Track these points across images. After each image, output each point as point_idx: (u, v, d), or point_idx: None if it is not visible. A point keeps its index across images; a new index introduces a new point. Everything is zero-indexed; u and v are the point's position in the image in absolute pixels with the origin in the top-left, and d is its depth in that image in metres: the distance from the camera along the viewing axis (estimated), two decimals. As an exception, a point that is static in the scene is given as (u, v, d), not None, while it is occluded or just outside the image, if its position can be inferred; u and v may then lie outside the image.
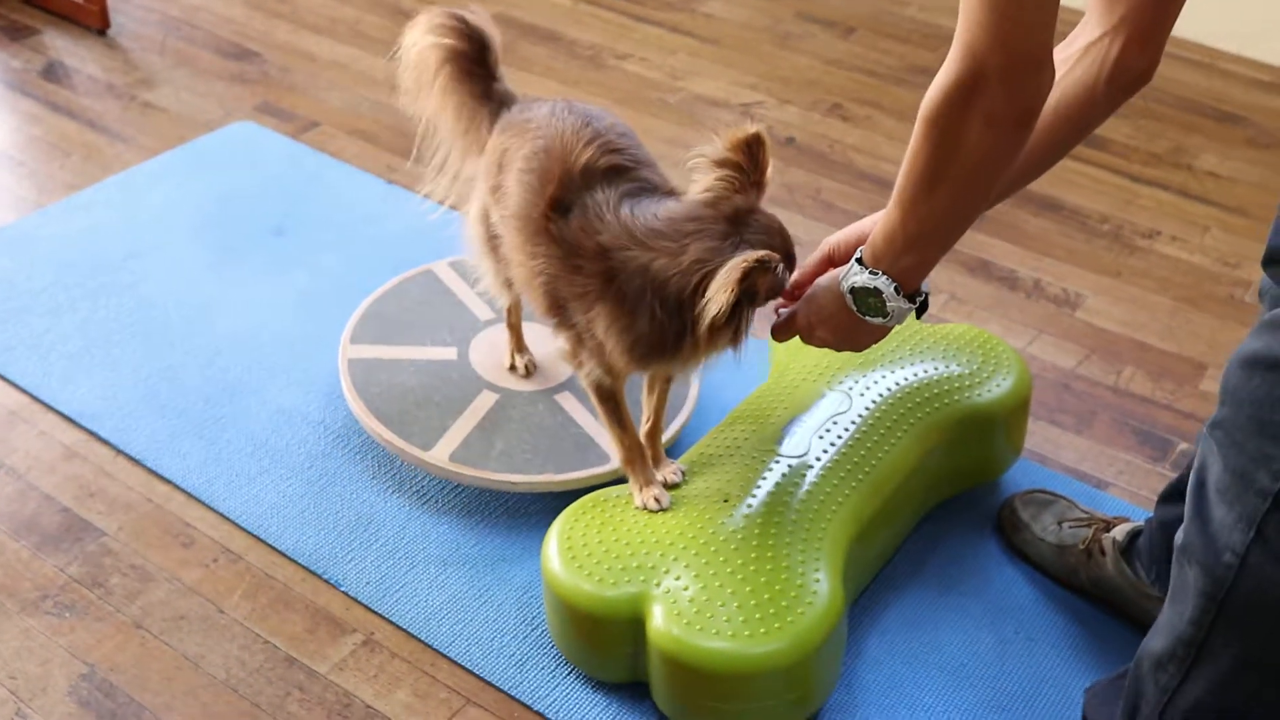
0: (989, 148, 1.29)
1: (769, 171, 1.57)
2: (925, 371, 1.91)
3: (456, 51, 1.81)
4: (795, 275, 1.62)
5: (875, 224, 1.53)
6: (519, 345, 2.03)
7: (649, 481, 1.70)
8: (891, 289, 1.44)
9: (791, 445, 1.77)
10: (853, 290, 1.47)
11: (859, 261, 1.47)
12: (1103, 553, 1.78)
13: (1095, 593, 1.81)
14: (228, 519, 1.86)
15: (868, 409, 1.83)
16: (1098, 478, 2.04)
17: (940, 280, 2.46)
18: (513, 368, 2.02)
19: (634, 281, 1.53)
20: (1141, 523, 1.78)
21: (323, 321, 2.23)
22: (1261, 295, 1.49)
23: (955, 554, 1.89)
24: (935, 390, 1.88)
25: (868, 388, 1.87)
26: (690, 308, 1.50)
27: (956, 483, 1.94)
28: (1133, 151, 2.93)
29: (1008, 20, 1.21)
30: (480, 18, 1.83)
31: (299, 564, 1.80)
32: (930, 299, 1.49)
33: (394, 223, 2.51)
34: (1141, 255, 2.59)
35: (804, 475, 1.72)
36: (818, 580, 1.57)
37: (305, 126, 2.83)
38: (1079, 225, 2.66)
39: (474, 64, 1.82)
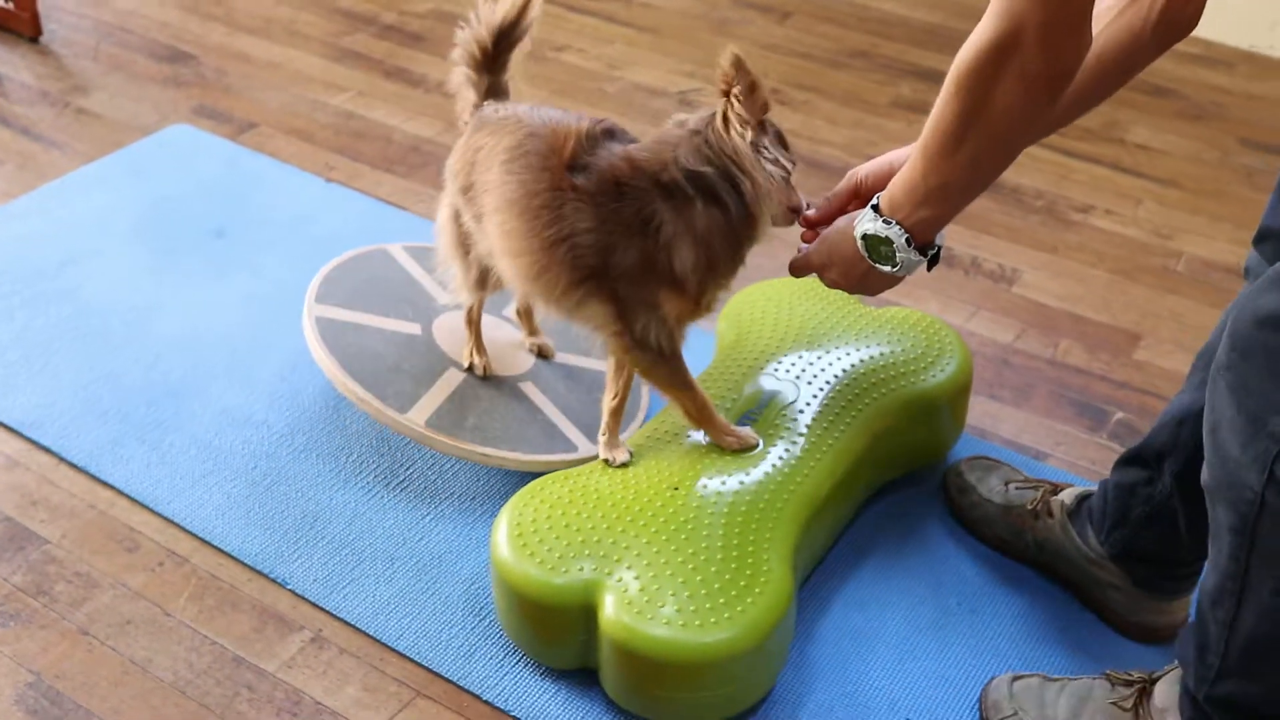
0: (1020, 108, 1.31)
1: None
2: (871, 357, 1.93)
3: (468, 57, 1.81)
4: (821, 206, 1.66)
5: (903, 157, 1.56)
6: (479, 346, 2.01)
7: (727, 429, 1.75)
8: (903, 240, 1.46)
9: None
10: (864, 237, 1.50)
11: (875, 208, 1.49)
12: (1050, 514, 1.80)
13: (1039, 557, 1.83)
14: (172, 522, 1.86)
15: (815, 396, 1.85)
16: (1037, 449, 2.07)
17: (879, 260, 2.49)
18: (470, 368, 2.01)
19: (673, 172, 1.57)
20: (1090, 488, 1.80)
21: (265, 322, 2.22)
22: (1247, 273, 1.52)
23: (898, 531, 1.92)
24: (881, 376, 1.90)
25: (815, 375, 1.89)
26: (725, 151, 1.56)
27: (902, 465, 1.97)
28: (1067, 127, 2.97)
29: None
30: (486, 13, 1.79)
31: (245, 564, 1.80)
32: (953, 251, 1.53)
33: (334, 220, 2.51)
34: (1076, 230, 2.63)
35: (755, 464, 1.73)
36: (767, 568, 1.59)
37: (242, 128, 2.82)
38: (1015, 202, 2.69)
39: (479, 60, 1.81)
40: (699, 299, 1.66)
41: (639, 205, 1.59)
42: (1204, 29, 3.37)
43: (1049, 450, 2.07)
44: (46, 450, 1.96)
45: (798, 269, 1.66)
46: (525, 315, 2.08)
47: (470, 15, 1.80)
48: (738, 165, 1.56)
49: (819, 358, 1.92)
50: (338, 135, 2.81)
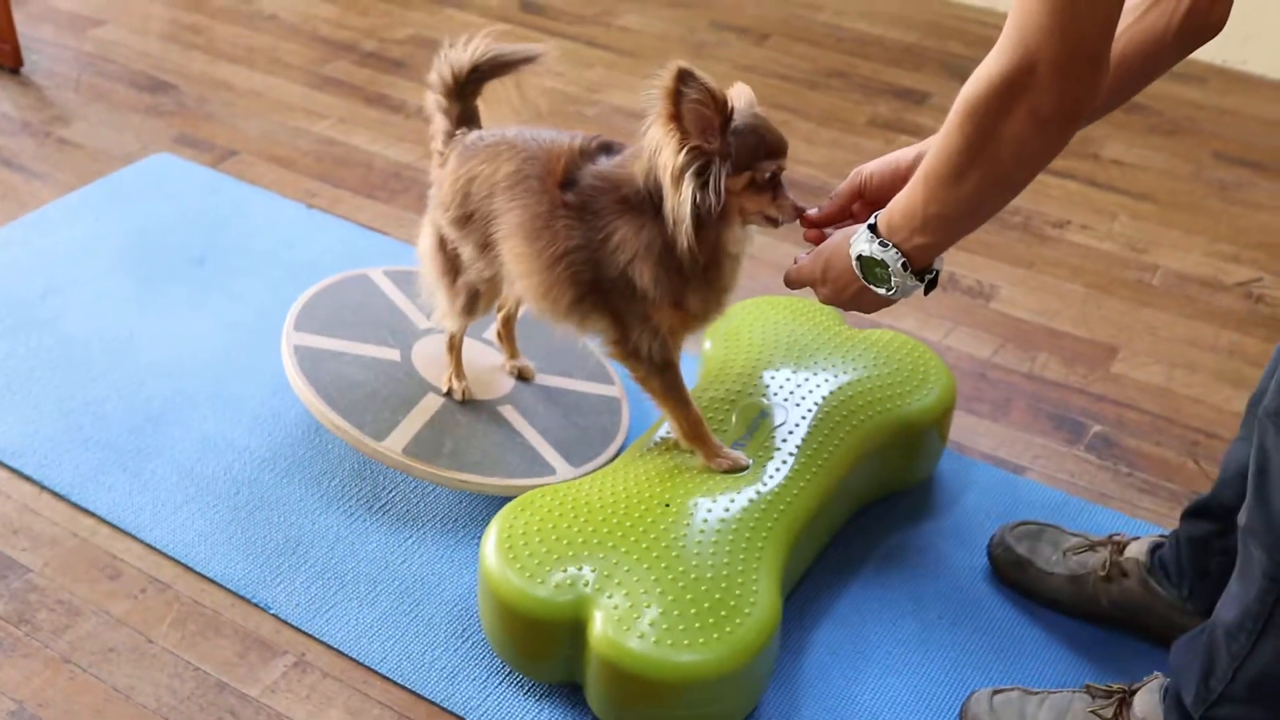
0: (1030, 145, 1.24)
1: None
2: (857, 380, 1.94)
3: (440, 83, 1.85)
4: (824, 206, 1.62)
5: (909, 157, 1.53)
6: (459, 371, 2.03)
7: (718, 450, 1.75)
8: (899, 264, 1.41)
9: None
10: (860, 257, 1.44)
11: (872, 228, 1.43)
12: (1124, 575, 1.75)
13: (1115, 615, 1.78)
14: (155, 549, 1.86)
15: (803, 418, 1.86)
16: (1015, 462, 2.09)
17: (857, 278, 2.50)
18: (449, 393, 2.02)
19: (634, 187, 1.58)
20: (1155, 534, 1.78)
21: (246, 348, 2.23)
22: None
23: (879, 546, 1.93)
24: (867, 399, 1.91)
25: (803, 397, 1.90)
26: (662, 185, 1.54)
27: (887, 487, 1.98)
28: (1041, 144, 3.00)
29: (1067, 12, 1.15)
30: (472, 45, 1.83)
31: (228, 589, 1.81)
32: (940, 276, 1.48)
33: (316, 247, 2.52)
34: (1052, 245, 2.65)
35: (745, 484, 1.74)
36: (756, 589, 1.59)
37: (223, 156, 2.83)
38: (991, 218, 2.71)
39: (451, 88, 1.84)
40: (685, 311, 1.66)
41: (606, 221, 1.62)
42: (1177, 45, 3.40)
43: (1027, 464, 2.09)
44: (28, 479, 1.97)
45: (792, 281, 1.61)
46: (506, 338, 2.09)
47: (447, 41, 1.83)
48: (664, 187, 1.56)
49: (806, 379, 1.93)
50: (319, 162, 2.82)
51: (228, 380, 2.17)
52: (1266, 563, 1.29)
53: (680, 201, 1.54)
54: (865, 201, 1.60)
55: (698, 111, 1.50)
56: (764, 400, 1.89)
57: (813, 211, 1.62)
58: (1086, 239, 2.67)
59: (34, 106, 2.99)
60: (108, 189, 2.68)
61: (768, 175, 1.57)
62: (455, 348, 2.01)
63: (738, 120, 1.54)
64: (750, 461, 1.75)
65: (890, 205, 1.42)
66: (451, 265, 1.85)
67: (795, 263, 1.61)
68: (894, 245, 1.41)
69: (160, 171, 2.75)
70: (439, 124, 1.86)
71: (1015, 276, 2.54)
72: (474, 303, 1.89)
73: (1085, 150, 2.98)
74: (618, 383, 2.14)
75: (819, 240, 1.61)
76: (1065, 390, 2.25)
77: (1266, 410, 1.29)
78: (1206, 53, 3.36)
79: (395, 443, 1.88)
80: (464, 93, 1.84)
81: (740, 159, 1.55)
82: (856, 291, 1.50)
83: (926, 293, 1.49)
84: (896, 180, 1.54)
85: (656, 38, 3.44)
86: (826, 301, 1.57)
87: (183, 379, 2.17)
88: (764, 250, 2.54)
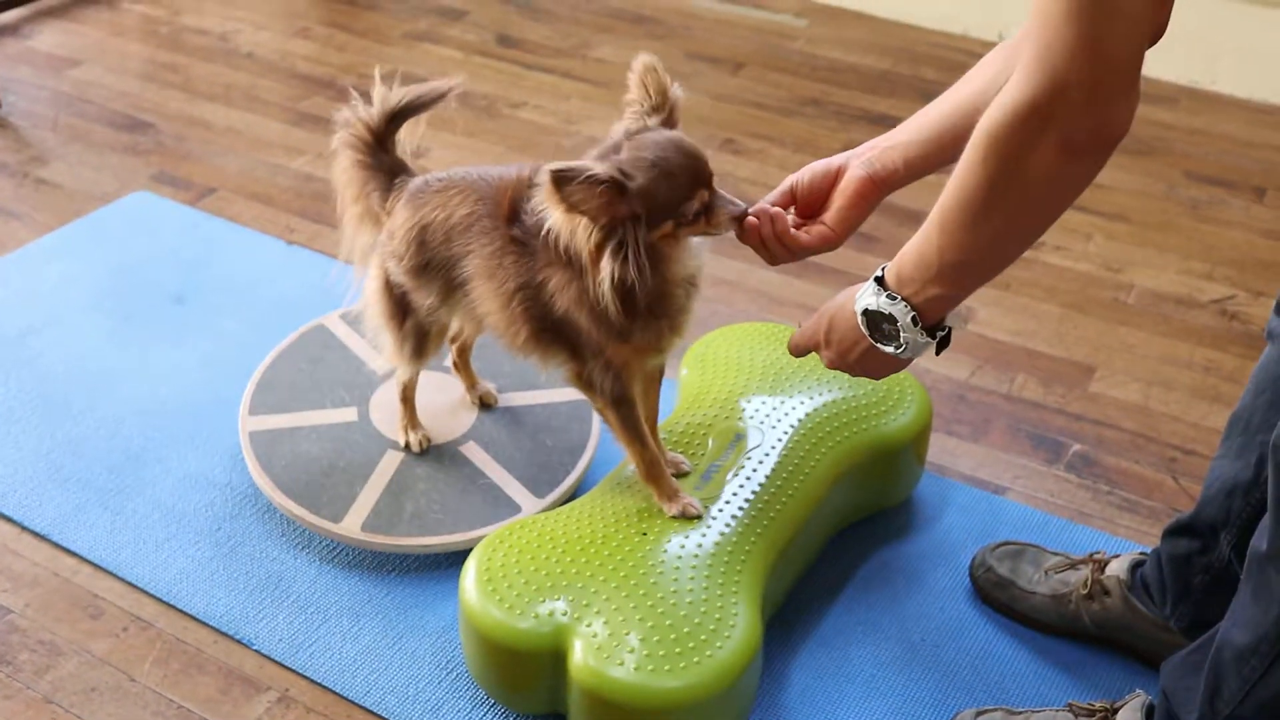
0: (1060, 178, 1.14)
1: (670, 91, 1.53)
2: (833, 401, 1.95)
3: (357, 141, 1.84)
4: (754, 209, 1.51)
5: (839, 161, 1.44)
6: (413, 421, 2.02)
7: (675, 493, 1.72)
8: (909, 318, 1.30)
9: (708, 486, 1.79)
10: (865, 312, 1.33)
11: (879, 281, 1.32)
12: (1106, 593, 1.75)
13: (1098, 634, 1.77)
14: (136, 587, 1.86)
15: (779, 441, 1.86)
16: (995, 483, 2.10)
17: (835, 303, 2.52)
18: (407, 446, 2.02)
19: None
20: (1137, 554, 1.77)
21: (226, 385, 2.23)
22: (1270, 336, 1.53)
23: (861, 568, 1.93)
24: (843, 420, 1.92)
25: (779, 420, 1.90)
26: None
27: (866, 508, 1.99)
28: (1015, 167, 3.02)
29: (1097, 32, 1.05)
30: (380, 96, 1.82)
31: (210, 626, 1.80)
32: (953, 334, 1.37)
33: (295, 283, 2.53)
34: (1028, 266, 2.67)
35: (721, 510, 1.75)
36: (736, 613, 1.60)
37: (202, 193, 2.84)
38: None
39: (370, 142, 1.83)
40: (634, 345, 1.62)
41: (541, 265, 1.59)
42: (1146, 66, 3.44)
43: (1007, 484, 2.10)
44: (8, 519, 1.96)
45: (796, 348, 1.51)
46: (463, 367, 2.09)
47: (357, 98, 1.82)
48: (582, 264, 1.52)
49: (782, 402, 1.94)
50: (298, 198, 2.83)
51: (208, 417, 2.17)
52: None
53: (600, 280, 1.49)
54: (798, 205, 1.52)
55: (587, 201, 1.44)
56: (740, 424, 1.90)
57: (750, 214, 1.51)
58: (1062, 260, 2.69)
59: (12, 147, 3.00)
60: (86, 228, 2.69)
61: (691, 215, 1.50)
62: (408, 399, 2.00)
63: (640, 177, 1.45)
64: (702, 513, 1.72)
65: (900, 255, 1.30)
66: (399, 308, 1.83)
67: (798, 326, 1.52)
68: (903, 299, 1.29)
69: (139, 210, 2.76)
70: (359, 181, 1.83)
71: (992, 298, 2.56)
72: (423, 345, 1.88)
73: (1059, 172, 3.01)
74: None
75: (756, 239, 1.51)
76: (1044, 410, 2.27)
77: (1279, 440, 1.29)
78: (1176, 73, 3.40)
79: (353, 521, 1.89)
80: (386, 145, 1.83)
81: (655, 213, 1.47)
82: (863, 352, 1.38)
83: (938, 351, 1.36)
84: (827, 181, 1.50)
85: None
86: (832, 366, 1.45)
87: (163, 417, 2.17)
88: (742, 276, 2.55)
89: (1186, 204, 2.90)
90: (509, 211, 1.63)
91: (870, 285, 1.33)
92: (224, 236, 2.68)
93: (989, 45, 3.62)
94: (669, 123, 1.54)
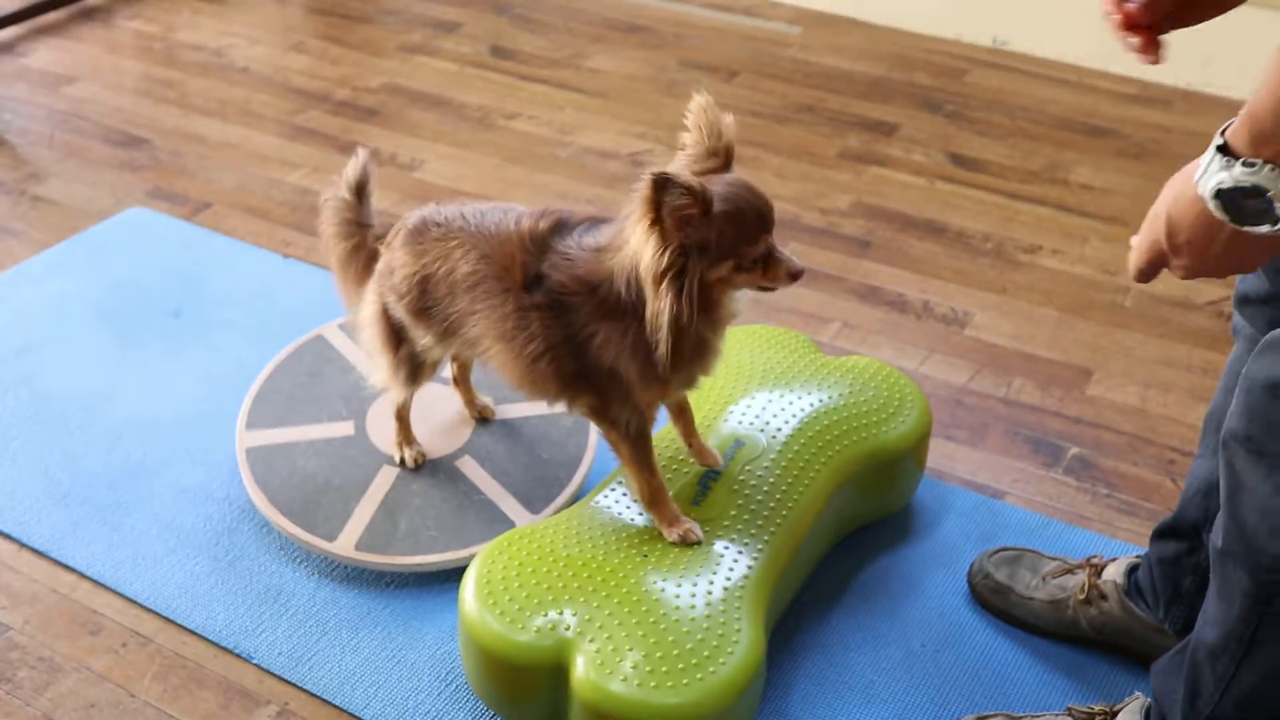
0: None
1: (725, 132, 1.54)
2: (834, 409, 1.94)
3: (343, 209, 1.89)
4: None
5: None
6: (408, 438, 2.03)
7: (676, 519, 1.72)
8: None
9: (709, 497, 1.79)
10: (1220, 194, 1.07)
11: (1221, 150, 1.07)
12: (1104, 597, 1.75)
13: (1097, 638, 1.78)
14: (135, 603, 1.85)
15: (780, 450, 1.86)
16: (994, 487, 2.10)
17: (831, 309, 2.52)
18: (401, 462, 2.02)
19: (613, 288, 1.55)
20: (1133, 557, 1.77)
21: (224, 399, 2.23)
22: (1236, 332, 1.53)
23: (860, 575, 1.93)
24: (844, 428, 1.91)
25: (779, 428, 1.90)
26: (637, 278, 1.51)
27: (866, 516, 1.99)
28: (1010, 170, 3.03)
29: None
30: (352, 167, 1.88)
31: (210, 641, 1.80)
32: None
33: (291, 296, 2.53)
34: (1025, 270, 2.67)
35: (723, 523, 1.74)
36: (739, 628, 1.59)
37: (198, 208, 2.84)
38: (963, 246, 2.74)
39: (352, 207, 1.89)
40: (667, 390, 1.66)
41: (585, 320, 1.60)
42: (1140, 69, 3.45)
43: (1006, 488, 2.10)
44: (6, 536, 1.96)
45: (1138, 273, 1.23)
46: (462, 382, 2.09)
47: (327, 190, 1.89)
48: (645, 292, 1.52)
49: (782, 410, 1.94)
50: (294, 211, 2.83)
51: (205, 432, 2.17)
52: (1247, 583, 1.30)
53: (660, 309, 1.50)
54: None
55: (679, 213, 1.45)
56: (739, 432, 1.90)
57: (1132, 5, 1.29)
58: (1058, 263, 2.70)
59: (8, 165, 3.00)
60: (83, 244, 2.69)
61: (751, 261, 1.53)
62: (403, 418, 2.01)
63: (719, 206, 1.49)
64: (701, 538, 1.72)
65: (1249, 110, 1.06)
66: (394, 336, 1.84)
67: (1130, 246, 1.24)
68: (1267, 161, 1.05)
69: (135, 226, 2.76)
70: (348, 248, 1.89)
71: (989, 302, 2.56)
72: (417, 373, 1.88)
73: (1054, 175, 3.01)
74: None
75: (1151, 46, 1.27)
76: (1042, 414, 2.27)
77: (1231, 434, 1.29)
78: (1170, 76, 3.41)
79: (347, 540, 1.89)
80: (364, 213, 1.90)
81: (722, 247, 1.50)
82: (1227, 243, 1.11)
83: None
84: None
85: (627, 78, 3.46)
86: (1189, 274, 1.17)
87: (160, 432, 2.17)
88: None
89: (1182, 206, 2.91)
90: (523, 280, 1.62)
91: (1212, 159, 1.08)
92: (220, 251, 2.68)
93: (982, 50, 3.63)
94: (726, 164, 1.55)
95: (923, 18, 3.75)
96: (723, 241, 1.49)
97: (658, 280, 1.48)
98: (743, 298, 1.62)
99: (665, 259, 1.47)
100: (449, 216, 1.73)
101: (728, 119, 1.55)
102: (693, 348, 1.58)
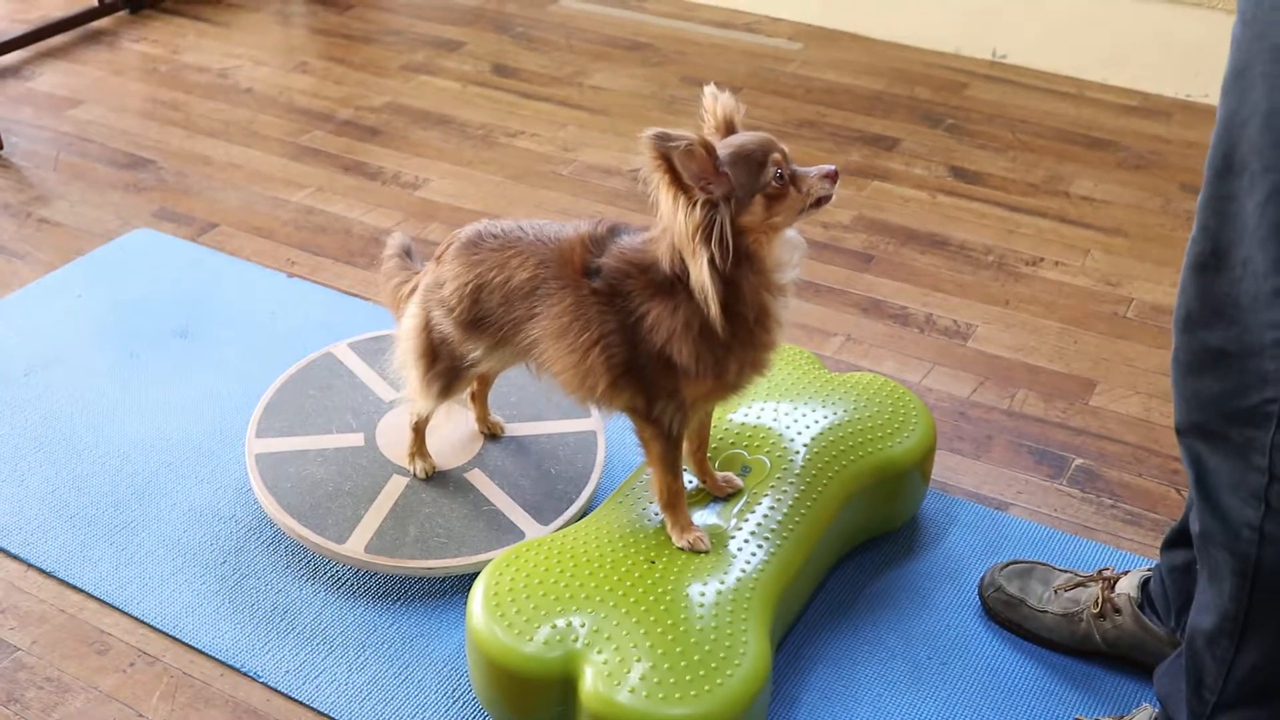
0: None
1: (730, 112, 1.61)
2: (839, 425, 1.95)
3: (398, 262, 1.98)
4: None
5: None
6: (421, 450, 2.04)
7: (688, 526, 1.75)
8: None
9: (716, 510, 1.80)
10: None
11: None
12: (1118, 611, 1.75)
13: (1111, 652, 1.77)
14: (143, 622, 1.86)
15: (787, 466, 1.86)
16: (999, 499, 2.10)
17: (834, 323, 2.53)
18: (413, 473, 2.03)
19: (660, 268, 1.59)
20: (1145, 569, 1.77)
21: (230, 418, 2.24)
22: None
23: (866, 589, 1.93)
24: (851, 443, 1.92)
25: (785, 445, 1.91)
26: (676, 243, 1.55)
27: (872, 530, 1.99)
28: (1011, 183, 3.04)
29: None
30: (395, 240, 2.01)
31: (217, 660, 1.80)
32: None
33: (297, 315, 2.54)
34: (1027, 282, 2.68)
35: (731, 536, 1.75)
36: (745, 640, 1.60)
37: (204, 228, 2.85)
38: (965, 259, 2.75)
39: (403, 262, 1.99)
40: (722, 380, 1.66)
41: (638, 303, 1.62)
42: (1139, 81, 3.47)
43: (1010, 500, 2.10)
44: (14, 557, 1.97)
45: None
46: (480, 398, 2.10)
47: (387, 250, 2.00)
48: (684, 257, 1.56)
49: (788, 426, 1.94)
50: (299, 231, 2.85)
51: (212, 451, 2.17)
52: (1231, 560, 1.31)
53: (700, 268, 1.53)
54: None
55: (690, 159, 1.50)
56: (746, 449, 1.90)
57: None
58: (1060, 275, 2.70)
59: (14, 188, 3.02)
60: (89, 265, 2.70)
61: (775, 181, 1.54)
62: (420, 430, 2.02)
63: (723, 153, 1.54)
64: (709, 547, 1.74)
65: None
66: (432, 350, 1.84)
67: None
68: None
69: (141, 246, 2.77)
70: (402, 276, 1.97)
71: (991, 315, 2.56)
72: (451, 386, 1.89)
73: (1055, 188, 3.02)
74: (593, 414, 2.15)
75: None
76: (1045, 425, 2.27)
77: (1181, 427, 1.33)
78: (1169, 88, 3.42)
79: (357, 542, 1.90)
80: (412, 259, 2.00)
81: (744, 188, 1.54)
82: None
83: None
84: None
85: (628, 95, 3.48)
86: None
87: (167, 451, 2.18)
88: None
89: (1183, 217, 2.91)
90: (582, 267, 1.65)
91: None
92: (226, 271, 2.69)
93: (982, 64, 3.65)
94: (731, 131, 1.62)
95: (922, 32, 3.76)
96: (741, 182, 1.53)
97: (692, 239, 1.53)
98: (797, 246, 1.64)
99: (696, 216, 1.52)
100: (506, 229, 1.77)
101: (731, 101, 1.62)
102: (755, 316, 1.60)
